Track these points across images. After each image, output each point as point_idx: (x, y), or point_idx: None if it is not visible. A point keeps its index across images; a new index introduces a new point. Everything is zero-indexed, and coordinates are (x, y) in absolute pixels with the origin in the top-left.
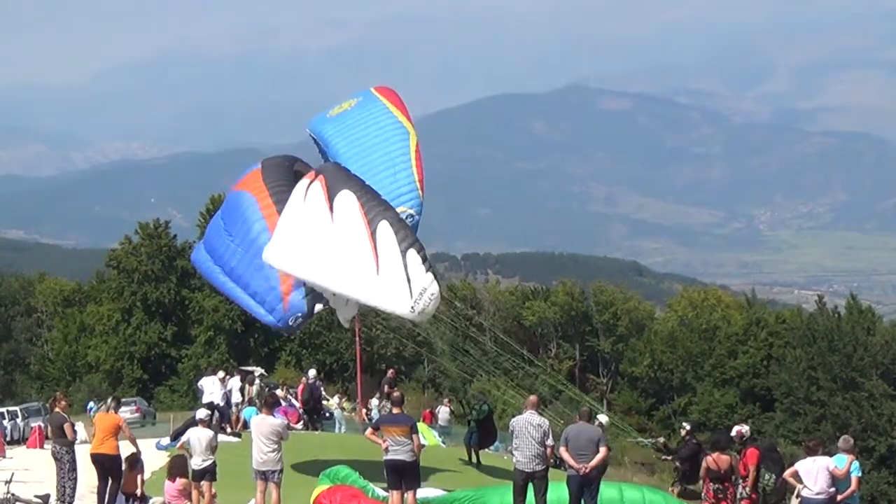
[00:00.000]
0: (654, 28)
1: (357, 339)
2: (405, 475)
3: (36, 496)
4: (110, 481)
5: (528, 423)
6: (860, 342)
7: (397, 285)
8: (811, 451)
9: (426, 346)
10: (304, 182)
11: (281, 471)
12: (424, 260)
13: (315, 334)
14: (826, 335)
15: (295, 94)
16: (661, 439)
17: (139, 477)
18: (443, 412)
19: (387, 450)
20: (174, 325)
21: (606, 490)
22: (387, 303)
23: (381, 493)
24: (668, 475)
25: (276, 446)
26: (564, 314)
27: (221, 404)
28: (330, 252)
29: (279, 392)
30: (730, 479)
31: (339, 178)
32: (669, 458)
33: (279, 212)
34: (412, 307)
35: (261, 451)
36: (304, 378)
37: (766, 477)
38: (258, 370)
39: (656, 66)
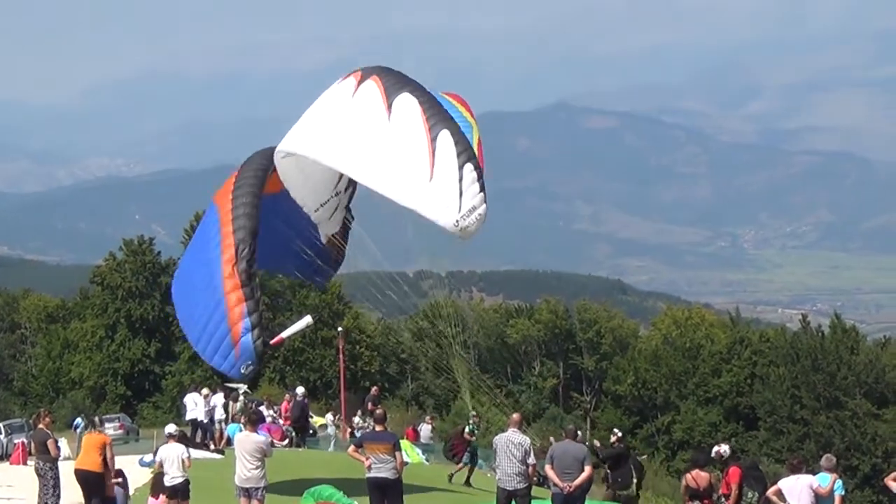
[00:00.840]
0: (641, 48)
1: (341, 356)
2: (388, 493)
3: None
4: (94, 499)
5: (508, 442)
6: (844, 361)
7: (448, 196)
8: (795, 469)
9: (410, 364)
10: (349, 80)
11: (265, 488)
12: (480, 178)
13: (299, 351)
14: (810, 354)
15: (281, 113)
16: (597, 442)
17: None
18: (425, 429)
19: (370, 467)
20: (158, 341)
21: None
22: (433, 211)
23: None
24: (653, 494)
25: (259, 463)
26: (548, 332)
27: (205, 421)
28: (381, 150)
29: (264, 409)
30: (710, 497)
31: (398, 80)
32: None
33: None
34: (457, 221)
35: (244, 468)
36: (287, 395)
37: (749, 495)
38: (242, 387)
39: (642, 85)
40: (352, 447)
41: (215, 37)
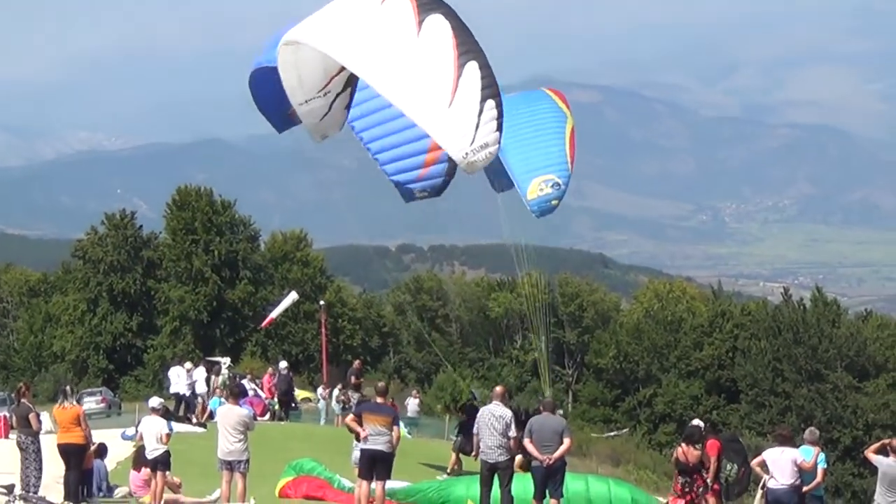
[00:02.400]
0: (622, 24)
1: (323, 329)
2: (378, 466)
3: (0, 486)
4: (73, 472)
5: (490, 415)
6: (825, 334)
7: (464, 126)
8: (785, 441)
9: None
10: None
11: (247, 461)
12: (499, 116)
13: (281, 325)
14: (791, 327)
15: None
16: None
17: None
18: (412, 404)
19: (365, 438)
20: (140, 315)
21: (573, 483)
22: (445, 137)
23: (347, 483)
24: (633, 466)
25: (242, 437)
26: (530, 306)
27: (188, 394)
28: (404, 63)
29: (246, 383)
30: (699, 472)
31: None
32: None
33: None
34: (466, 153)
35: (227, 442)
36: (270, 368)
37: (728, 467)
38: (225, 360)
39: (624, 60)
40: (350, 416)
41: (198, 10)
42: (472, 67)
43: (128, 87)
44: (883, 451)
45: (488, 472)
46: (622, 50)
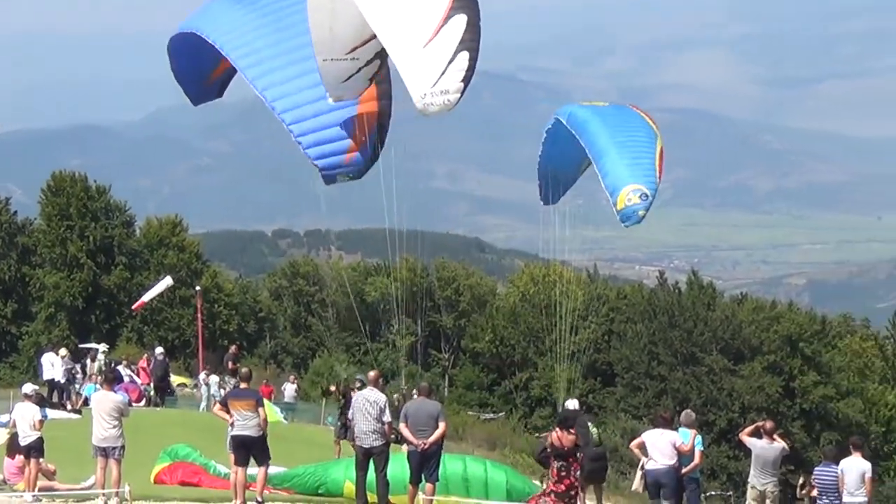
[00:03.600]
0: (497, 8)
1: (199, 315)
2: (253, 450)
3: None
4: None
5: (364, 399)
6: (700, 318)
7: (431, 68)
8: (665, 423)
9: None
10: None
11: (122, 447)
12: (469, 70)
13: (157, 311)
14: (667, 311)
15: (146, 74)
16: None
17: None
18: (289, 389)
19: (233, 425)
20: (14, 301)
21: (451, 463)
22: (410, 74)
23: (223, 470)
24: (510, 450)
25: (117, 423)
26: (406, 290)
27: (62, 381)
28: (399, 4)
29: (122, 369)
30: (575, 456)
31: None
32: None
33: None
34: (424, 95)
35: (101, 428)
36: (146, 354)
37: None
38: (102, 346)
39: (500, 44)
40: (217, 405)
41: None
42: (459, 19)
43: (2, 71)
44: (757, 433)
45: (363, 456)
46: (498, 34)
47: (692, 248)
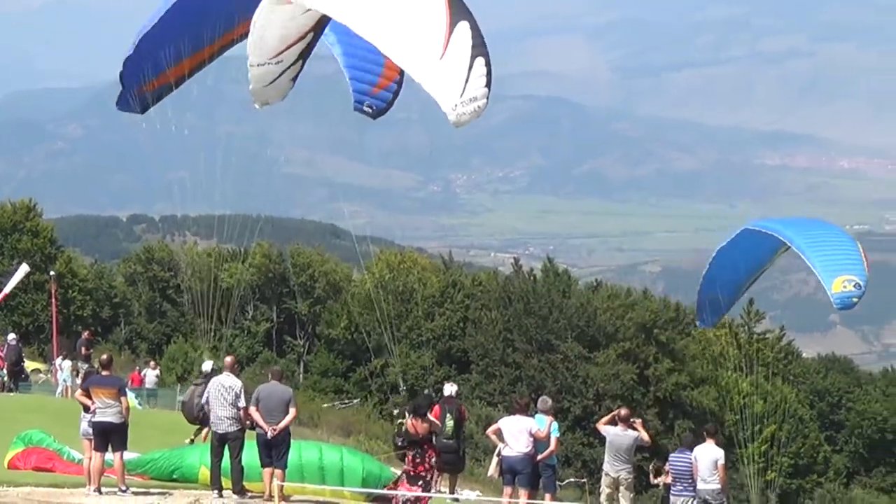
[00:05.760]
0: None
1: (53, 300)
2: (112, 437)
3: None
4: None
5: (220, 385)
6: (556, 305)
7: (455, 79)
8: (521, 410)
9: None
10: None
11: None
12: (488, 74)
13: (10, 296)
14: (522, 298)
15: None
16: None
17: None
18: (150, 375)
19: (94, 411)
20: None
21: (307, 451)
22: (437, 89)
23: (77, 455)
24: (365, 437)
25: None
26: (262, 276)
27: None
28: (395, 16)
29: None
30: (430, 443)
31: None
32: None
33: None
34: (455, 106)
35: None
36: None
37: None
38: None
39: None
40: (79, 391)
41: None
42: (464, 26)
43: None
44: (613, 421)
45: (218, 442)
46: None
47: (548, 235)
